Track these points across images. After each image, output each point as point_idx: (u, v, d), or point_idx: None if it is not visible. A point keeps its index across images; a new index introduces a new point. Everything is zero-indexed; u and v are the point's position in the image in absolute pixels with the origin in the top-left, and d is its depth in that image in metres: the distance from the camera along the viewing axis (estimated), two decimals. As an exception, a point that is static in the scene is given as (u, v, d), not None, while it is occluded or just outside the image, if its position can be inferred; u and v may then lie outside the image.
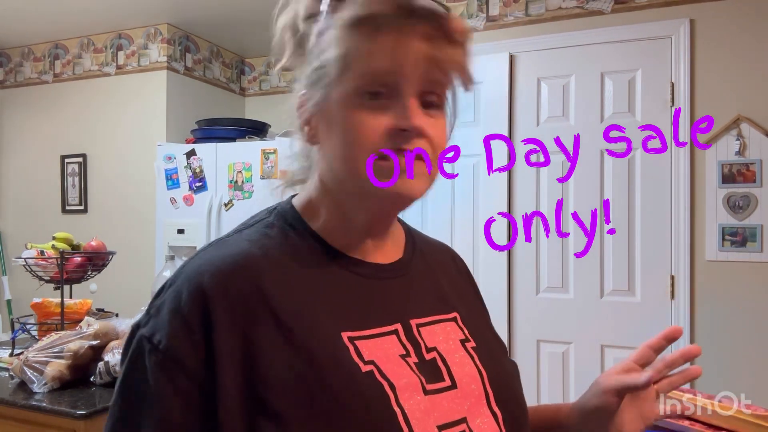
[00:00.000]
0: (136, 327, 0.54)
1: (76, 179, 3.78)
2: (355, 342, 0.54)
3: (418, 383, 0.54)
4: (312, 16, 0.58)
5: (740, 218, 2.24)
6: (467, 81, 0.57)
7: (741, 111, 2.24)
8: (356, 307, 0.57)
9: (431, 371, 0.56)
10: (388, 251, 0.63)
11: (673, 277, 2.33)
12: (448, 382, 0.57)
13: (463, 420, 0.55)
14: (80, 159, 3.76)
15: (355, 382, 0.51)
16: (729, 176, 2.26)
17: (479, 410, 0.57)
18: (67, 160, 3.80)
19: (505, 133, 2.55)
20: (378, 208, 0.59)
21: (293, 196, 0.65)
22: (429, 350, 0.58)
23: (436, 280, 0.67)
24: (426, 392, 0.54)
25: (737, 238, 2.24)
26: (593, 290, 2.45)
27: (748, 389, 0.93)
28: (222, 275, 0.53)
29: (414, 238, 0.69)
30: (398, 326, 0.58)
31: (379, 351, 0.54)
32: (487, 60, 2.62)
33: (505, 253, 2.55)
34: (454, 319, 0.63)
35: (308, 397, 0.49)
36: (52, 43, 3.89)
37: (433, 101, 0.56)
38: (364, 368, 0.52)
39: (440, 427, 0.53)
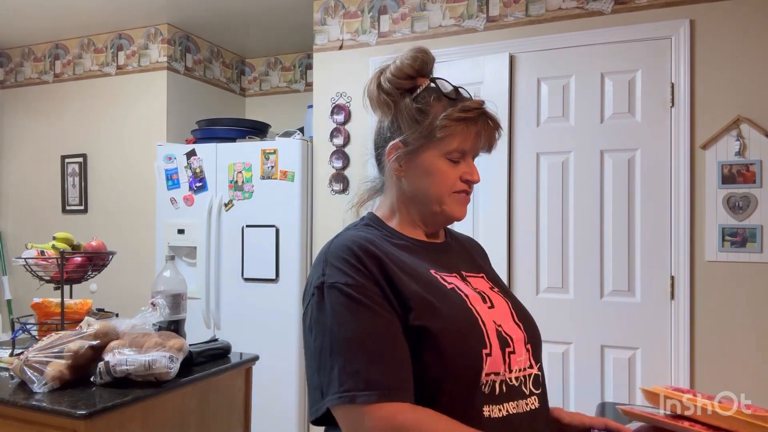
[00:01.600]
0: (320, 284, 0.86)
1: (77, 179, 3.78)
2: (439, 274, 0.92)
3: (479, 297, 0.92)
4: (408, 89, 0.96)
5: (740, 219, 2.24)
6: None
7: (741, 111, 2.25)
8: (429, 262, 0.94)
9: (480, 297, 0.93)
10: (436, 237, 1.03)
11: (673, 278, 2.33)
12: (489, 304, 0.92)
13: (501, 325, 0.90)
14: (80, 159, 3.76)
15: (445, 291, 0.88)
16: (729, 177, 2.26)
17: (509, 321, 0.92)
18: (67, 160, 3.81)
19: (505, 133, 2.55)
20: (441, 222, 1.00)
21: (370, 211, 1.03)
22: (475, 289, 0.94)
23: (467, 253, 1.07)
24: (483, 303, 0.91)
25: (737, 238, 2.24)
26: (593, 290, 2.45)
27: (748, 389, 0.93)
28: (362, 244, 0.88)
29: (449, 231, 1.09)
30: (456, 273, 0.96)
31: (453, 280, 0.92)
32: (487, 60, 2.63)
33: (505, 253, 2.56)
34: (483, 276, 1.01)
35: (425, 299, 0.85)
36: (53, 43, 3.90)
37: (475, 156, 0.98)
38: (449, 286, 0.90)
39: (494, 322, 0.89)
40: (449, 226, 1.08)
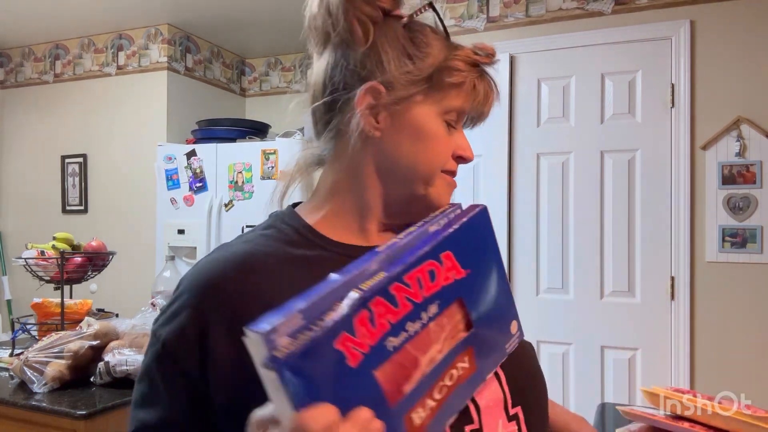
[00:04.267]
0: (153, 325, 0.59)
1: (77, 179, 3.78)
2: None
3: None
4: (388, 11, 0.63)
5: (740, 219, 2.24)
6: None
7: (741, 112, 2.25)
8: None
9: None
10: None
11: (673, 278, 2.33)
12: None
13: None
14: (81, 159, 3.76)
15: None
16: (729, 177, 2.26)
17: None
18: (67, 161, 3.80)
19: (506, 134, 2.55)
20: (416, 211, 0.63)
21: (289, 205, 0.71)
22: None
23: None
24: None
25: (737, 239, 2.24)
26: (593, 291, 2.45)
27: (748, 389, 0.93)
28: (215, 284, 0.56)
29: None
30: None
31: None
32: (487, 61, 2.62)
33: (505, 254, 2.55)
34: None
35: None
36: (53, 44, 3.90)
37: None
38: None
39: None
40: None
